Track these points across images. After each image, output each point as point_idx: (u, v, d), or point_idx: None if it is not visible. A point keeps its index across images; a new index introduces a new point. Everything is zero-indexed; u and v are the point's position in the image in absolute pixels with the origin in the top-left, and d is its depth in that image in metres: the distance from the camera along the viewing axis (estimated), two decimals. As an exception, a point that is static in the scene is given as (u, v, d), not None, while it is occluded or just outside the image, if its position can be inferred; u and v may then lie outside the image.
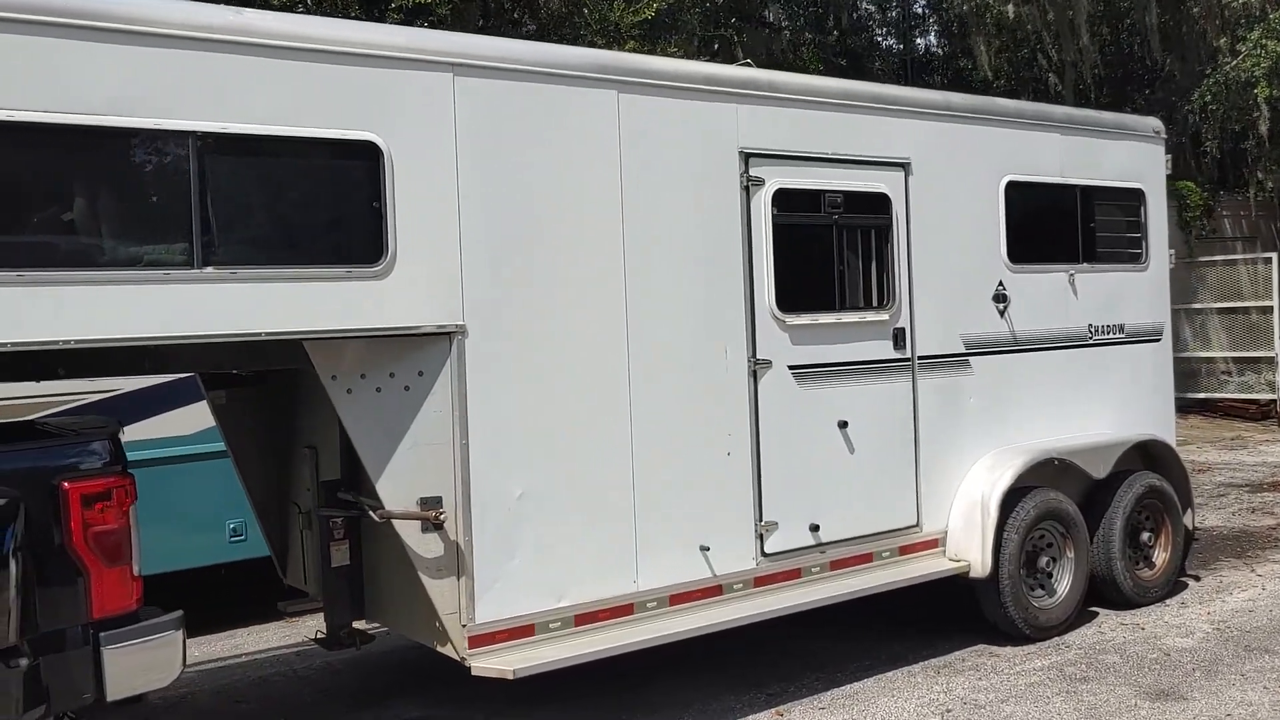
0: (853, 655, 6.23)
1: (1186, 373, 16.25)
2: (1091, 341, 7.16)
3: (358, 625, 5.50)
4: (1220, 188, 19.70)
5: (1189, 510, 7.38)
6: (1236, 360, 16.50)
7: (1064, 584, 6.55)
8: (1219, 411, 16.15)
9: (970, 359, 6.51)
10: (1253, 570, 7.70)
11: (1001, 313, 6.66)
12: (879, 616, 6.70)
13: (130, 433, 5.19)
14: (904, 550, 6.18)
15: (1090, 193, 7.20)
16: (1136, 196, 7.48)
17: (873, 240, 6.14)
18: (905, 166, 6.20)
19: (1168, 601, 7.02)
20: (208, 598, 7.22)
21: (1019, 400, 6.73)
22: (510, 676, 4.65)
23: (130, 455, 4.27)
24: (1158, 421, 7.50)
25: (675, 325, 5.34)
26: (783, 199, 5.71)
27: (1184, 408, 16.07)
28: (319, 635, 5.55)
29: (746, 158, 5.59)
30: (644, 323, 5.23)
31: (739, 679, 5.90)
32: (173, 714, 5.86)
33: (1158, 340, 7.60)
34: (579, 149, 5.06)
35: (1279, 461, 12.40)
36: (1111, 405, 7.26)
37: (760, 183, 5.62)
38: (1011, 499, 6.34)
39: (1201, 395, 16.29)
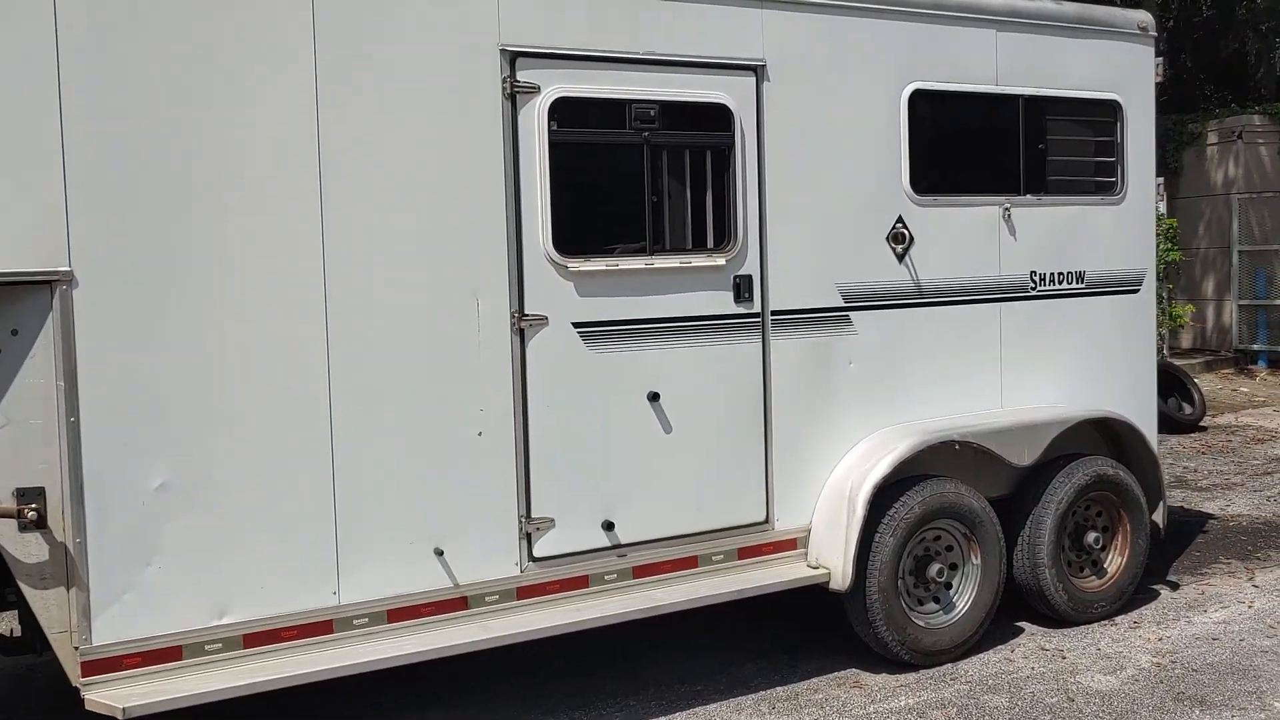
0: (689, 675, 5.09)
1: (1275, 322, 14.22)
2: (1035, 293, 5.72)
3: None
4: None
5: (1160, 504, 5.92)
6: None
7: (965, 597, 5.24)
8: (1316, 369, 14.13)
9: (852, 314, 5.19)
10: (1250, 579, 6.20)
11: (900, 256, 5.31)
12: (763, 623, 5.53)
13: None
14: (746, 553, 4.96)
15: (1040, 105, 5.71)
16: (1110, 110, 5.94)
17: (707, 165, 4.86)
18: (758, 70, 4.88)
19: (1118, 619, 5.62)
20: None
21: (923, 367, 5.39)
22: (120, 717, 3.69)
23: None
24: (1131, 393, 6.03)
25: (397, 271, 4.21)
26: (567, 111, 4.49)
27: (1276, 362, 14.14)
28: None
29: (513, 58, 4.38)
30: (350, 267, 4.12)
31: (537, 698, 4.84)
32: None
33: (1135, 291, 6.09)
34: (248, 39, 3.94)
35: (1364, 431, 10.55)
36: (1063, 373, 5.83)
37: (533, 90, 4.40)
38: (893, 492, 5.05)
39: (1295, 349, 14.24)
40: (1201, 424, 11.12)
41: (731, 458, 4.90)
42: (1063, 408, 5.65)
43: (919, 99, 5.32)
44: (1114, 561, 5.73)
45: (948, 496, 5.13)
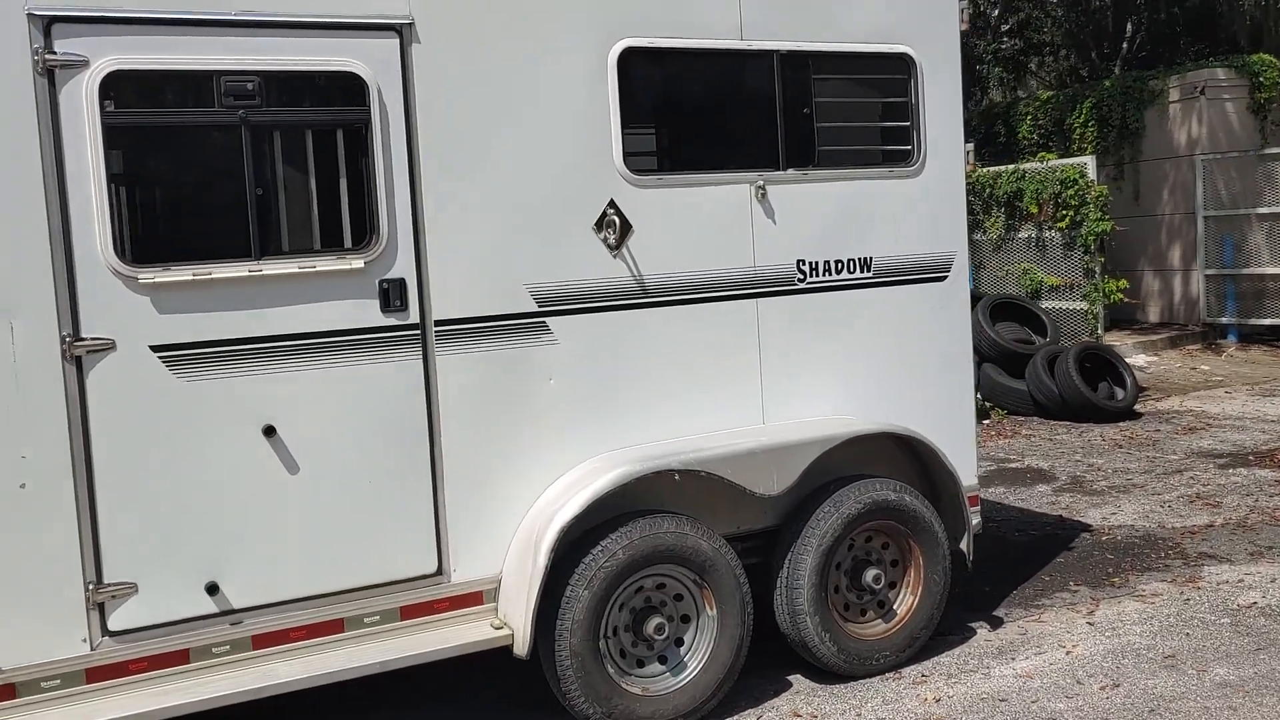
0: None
1: (1255, 293, 13.10)
2: (804, 285, 4.83)
3: None
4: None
5: (965, 532, 5.02)
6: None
7: (699, 655, 4.38)
8: (1291, 343, 13.01)
9: (550, 320, 4.33)
10: (1090, 614, 5.27)
11: (615, 247, 4.43)
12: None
13: None
14: (412, 612, 4.13)
15: (803, 62, 4.79)
16: (901, 66, 5.01)
17: (339, 148, 4.03)
18: (402, 30, 4.02)
19: (906, 670, 4.73)
20: None
21: (653, 379, 4.52)
22: None
23: None
24: (940, 398, 5.13)
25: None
26: (128, 88, 3.66)
27: (1248, 336, 13.06)
28: None
29: (47, 24, 3.55)
30: None
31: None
32: None
33: (941, 278, 5.17)
34: None
35: (1314, 416, 9.50)
36: (848, 379, 4.93)
37: (78, 64, 3.58)
38: (598, 533, 4.21)
39: (1269, 321, 13.07)
40: (1137, 409, 10.13)
41: (387, 499, 4.07)
42: (828, 423, 4.76)
43: (634, 59, 4.43)
44: (905, 602, 4.84)
45: (664, 538, 4.26)
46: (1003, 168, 12.04)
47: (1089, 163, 10.95)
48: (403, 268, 4.05)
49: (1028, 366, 10.23)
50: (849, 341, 4.93)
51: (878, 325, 4.99)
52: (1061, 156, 15.38)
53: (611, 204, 4.41)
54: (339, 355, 3.97)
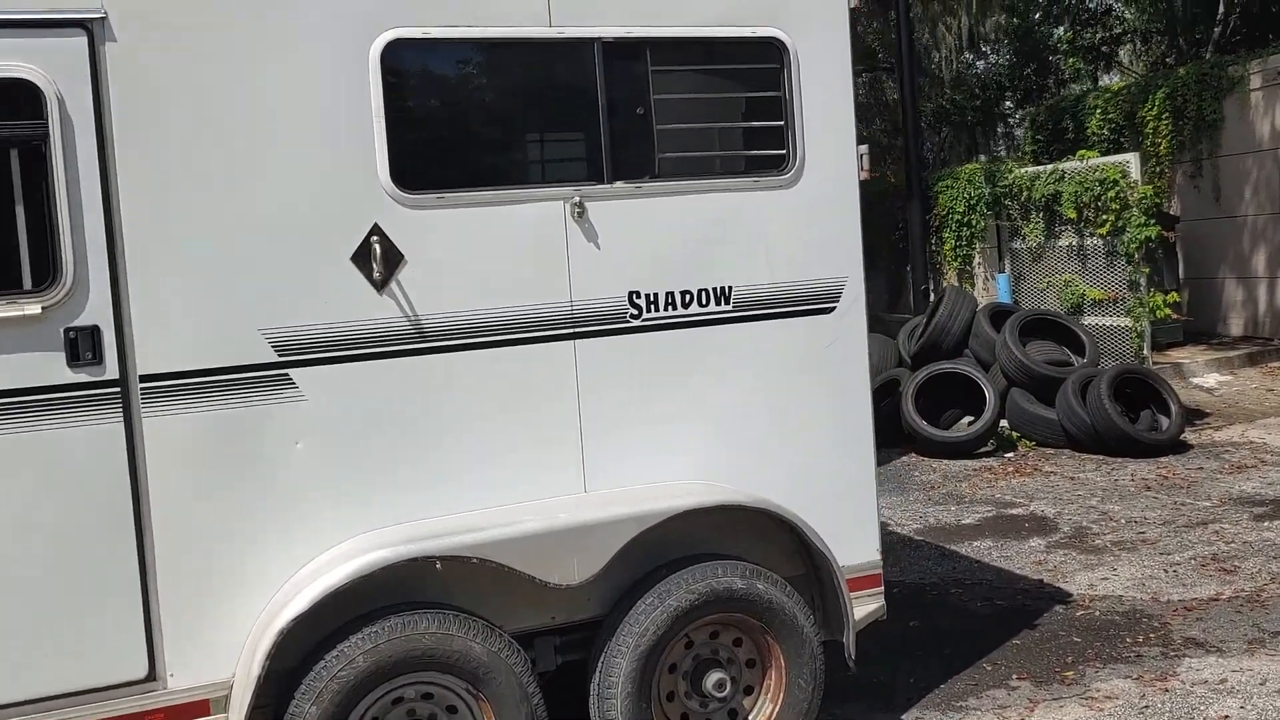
0: None
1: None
2: (639, 323, 3.98)
3: None
4: None
5: (846, 625, 4.08)
6: None
7: (475, 783, 3.59)
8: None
9: (295, 373, 3.58)
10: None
11: (381, 283, 3.66)
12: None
13: None
14: (107, 728, 3.44)
15: (636, 51, 3.95)
16: (770, 53, 4.11)
17: (11, 171, 3.35)
18: (91, 27, 3.32)
19: (759, 798, 3.85)
20: None
21: (436, 442, 3.73)
22: None
23: None
24: (823, 462, 4.21)
25: None
26: None
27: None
28: None
29: None
30: None
31: None
32: None
33: (828, 311, 4.25)
34: None
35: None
36: (702, 436, 4.06)
37: None
38: (333, 638, 3.45)
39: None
40: (1189, 440, 8.90)
41: (82, 592, 3.37)
42: (651, 495, 3.88)
43: (405, 53, 3.65)
44: (762, 710, 3.94)
45: (420, 640, 3.47)
46: (1041, 167, 10.85)
47: (1131, 160, 9.70)
48: (95, 313, 3.36)
49: (1058, 392, 9.08)
50: (701, 390, 4.05)
51: (740, 369, 4.11)
52: (1133, 152, 14.06)
53: (376, 230, 3.64)
54: (13, 420, 3.29)
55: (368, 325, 3.65)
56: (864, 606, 4.26)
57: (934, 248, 11.83)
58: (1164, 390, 8.95)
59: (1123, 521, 6.82)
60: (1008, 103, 18.47)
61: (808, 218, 4.19)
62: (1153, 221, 9.38)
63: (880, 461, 9.29)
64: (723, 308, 4.08)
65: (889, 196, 13.52)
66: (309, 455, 3.59)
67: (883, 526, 7.20)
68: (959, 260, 11.56)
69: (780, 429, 4.16)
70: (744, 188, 4.11)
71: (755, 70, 4.14)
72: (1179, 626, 5.05)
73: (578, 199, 3.86)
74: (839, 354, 4.26)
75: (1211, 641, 4.85)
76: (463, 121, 3.83)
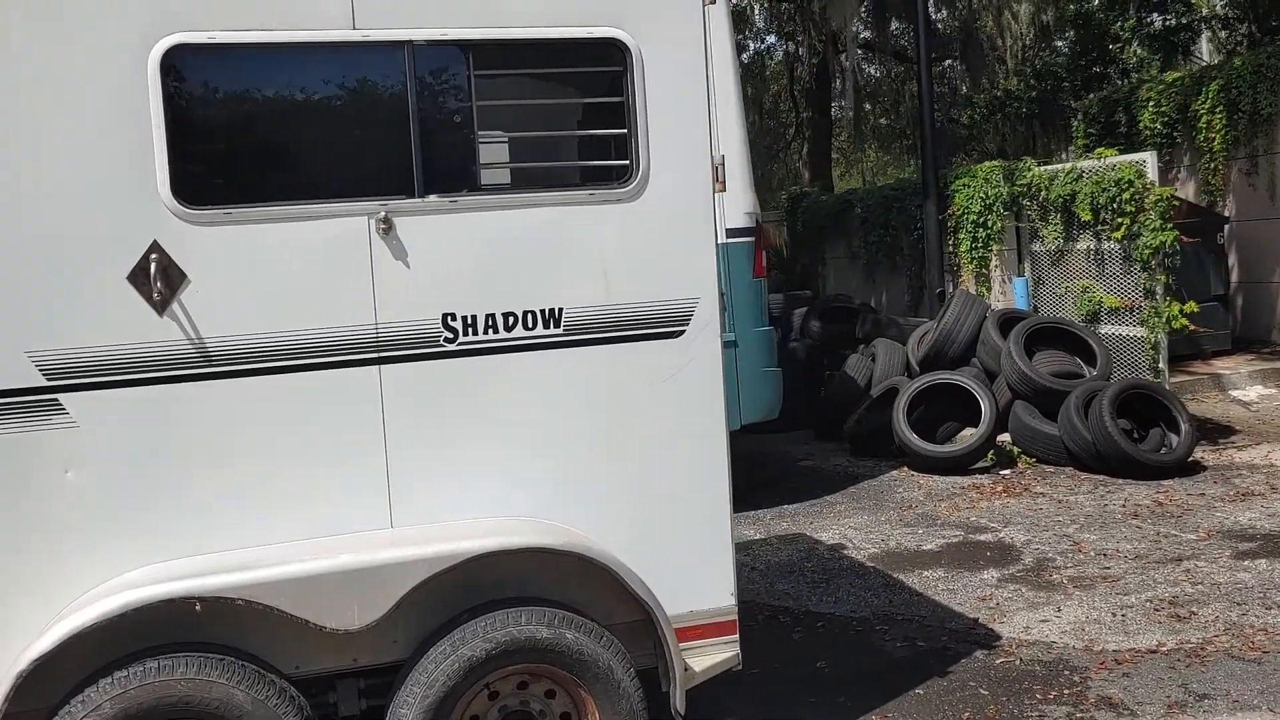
0: None
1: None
2: (454, 347, 3.69)
3: None
4: None
5: (672, 677, 3.74)
6: None
7: (242, 839, 3.35)
8: None
9: (65, 398, 3.39)
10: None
11: (161, 305, 3.44)
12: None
13: None
14: None
15: (454, 55, 3.66)
16: (610, 55, 3.78)
17: None
18: None
19: None
20: None
21: (222, 472, 3.51)
22: None
23: None
24: (667, 499, 3.88)
25: None
26: None
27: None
28: None
29: None
30: None
31: None
32: None
33: (676, 335, 3.90)
34: None
35: None
36: (523, 472, 3.76)
37: None
38: (85, 684, 3.26)
39: None
40: (1204, 460, 8.27)
41: None
42: (449, 534, 3.59)
43: (188, 59, 3.43)
44: (576, 770, 3.65)
45: (173, 686, 3.25)
46: (1059, 166, 10.19)
47: (1148, 159, 9.02)
48: None
49: (1061, 407, 8.51)
50: (528, 421, 3.75)
51: (572, 398, 3.79)
52: (1188, 147, 13.23)
53: (155, 248, 3.42)
54: None
55: (146, 349, 3.43)
56: (709, 656, 3.92)
57: (950, 249, 11.25)
58: (1174, 408, 8.31)
59: (1092, 554, 6.30)
60: (1067, 96, 17.57)
61: (653, 233, 3.85)
62: (1169, 225, 8.72)
63: (870, 475, 8.98)
64: (552, 331, 3.78)
65: (907, 195, 12.94)
66: (80, 485, 3.40)
67: (837, 549, 6.89)
68: (974, 263, 10.97)
69: (617, 464, 3.84)
70: (579, 201, 3.79)
71: (595, 74, 3.82)
72: (1099, 683, 4.59)
73: (383, 214, 3.59)
74: (688, 380, 3.92)
75: (1127, 703, 4.38)
76: (255, 133, 3.59)
